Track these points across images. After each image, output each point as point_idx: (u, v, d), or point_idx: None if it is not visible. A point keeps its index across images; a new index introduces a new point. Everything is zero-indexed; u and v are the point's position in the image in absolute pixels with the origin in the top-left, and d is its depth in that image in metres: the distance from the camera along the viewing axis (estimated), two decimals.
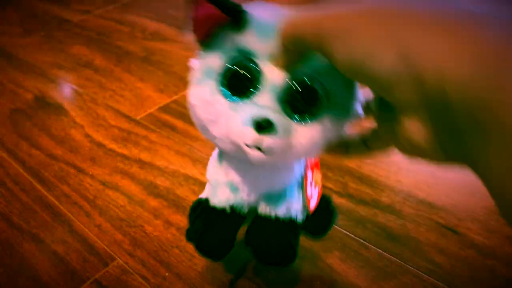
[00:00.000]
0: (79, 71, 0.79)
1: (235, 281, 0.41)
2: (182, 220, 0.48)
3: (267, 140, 0.23)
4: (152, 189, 0.52)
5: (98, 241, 0.46)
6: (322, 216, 0.37)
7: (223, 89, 0.24)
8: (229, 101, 0.24)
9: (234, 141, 0.24)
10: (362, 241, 0.45)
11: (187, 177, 0.54)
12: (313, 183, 0.35)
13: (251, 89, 0.24)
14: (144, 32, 0.93)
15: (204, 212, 0.34)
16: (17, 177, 0.55)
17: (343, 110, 0.25)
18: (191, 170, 0.55)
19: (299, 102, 0.24)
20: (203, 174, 0.53)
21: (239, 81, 0.24)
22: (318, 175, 0.37)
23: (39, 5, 1.10)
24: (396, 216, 0.48)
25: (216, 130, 0.25)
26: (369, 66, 0.17)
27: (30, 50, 0.88)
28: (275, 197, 0.33)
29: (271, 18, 0.23)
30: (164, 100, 0.69)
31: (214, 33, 0.24)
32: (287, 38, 0.21)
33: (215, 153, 0.34)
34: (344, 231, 0.46)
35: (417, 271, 0.41)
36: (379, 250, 0.44)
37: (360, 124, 0.26)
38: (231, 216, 0.33)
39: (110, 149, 0.59)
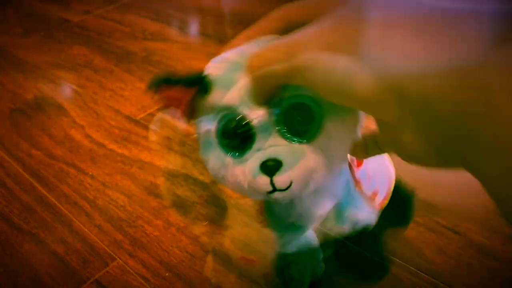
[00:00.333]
0: (79, 71, 0.79)
1: None
2: (183, 220, 0.48)
3: (281, 179, 0.22)
4: (152, 189, 0.52)
5: (98, 241, 0.46)
6: (400, 205, 0.37)
7: (225, 148, 0.24)
8: (235, 157, 0.24)
9: (256, 193, 0.24)
10: None
11: (187, 177, 0.54)
12: (371, 178, 0.34)
13: (248, 138, 0.23)
14: (144, 32, 0.93)
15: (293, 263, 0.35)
16: (17, 177, 0.55)
17: (344, 117, 0.24)
18: (191, 170, 0.55)
19: (295, 123, 0.23)
20: (203, 174, 0.54)
21: (235, 137, 0.24)
22: (373, 166, 0.35)
23: (39, 5, 1.10)
24: None
25: (239, 190, 0.25)
26: (346, 90, 0.17)
27: (30, 50, 0.88)
28: (337, 215, 0.32)
29: (227, 67, 0.23)
30: None
31: (192, 105, 0.24)
32: (256, 82, 0.21)
33: None
34: None
35: (417, 271, 0.41)
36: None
37: (368, 126, 0.26)
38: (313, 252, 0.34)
39: (110, 149, 0.59)
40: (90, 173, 0.55)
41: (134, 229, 0.47)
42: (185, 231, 0.47)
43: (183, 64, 0.79)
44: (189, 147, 0.59)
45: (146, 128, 0.63)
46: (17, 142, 0.62)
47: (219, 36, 0.90)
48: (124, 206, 0.50)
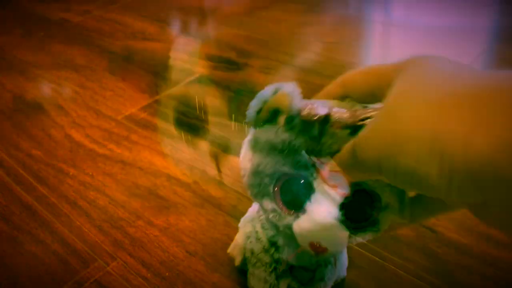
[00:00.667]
0: (79, 71, 0.79)
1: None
2: (183, 220, 0.48)
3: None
4: (153, 189, 0.52)
5: (98, 241, 0.46)
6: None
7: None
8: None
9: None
10: None
11: (169, 177, 0.54)
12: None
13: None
14: (145, 32, 0.93)
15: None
16: (17, 177, 0.55)
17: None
18: (174, 171, 0.55)
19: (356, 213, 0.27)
20: (185, 175, 0.54)
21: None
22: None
23: (39, 5, 1.10)
24: None
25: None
26: (417, 180, 0.19)
27: (30, 50, 0.88)
28: None
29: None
30: (148, 100, 0.70)
31: None
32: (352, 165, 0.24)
33: None
34: None
35: (396, 269, 0.42)
36: (359, 249, 0.43)
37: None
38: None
39: (110, 149, 0.59)
40: (90, 173, 0.55)
41: (134, 229, 0.47)
42: (185, 231, 0.47)
43: (183, 64, 0.79)
44: (172, 147, 0.59)
45: (146, 128, 0.63)
46: (17, 142, 0.62)
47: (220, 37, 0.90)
48: (124, 206, 0.50)
